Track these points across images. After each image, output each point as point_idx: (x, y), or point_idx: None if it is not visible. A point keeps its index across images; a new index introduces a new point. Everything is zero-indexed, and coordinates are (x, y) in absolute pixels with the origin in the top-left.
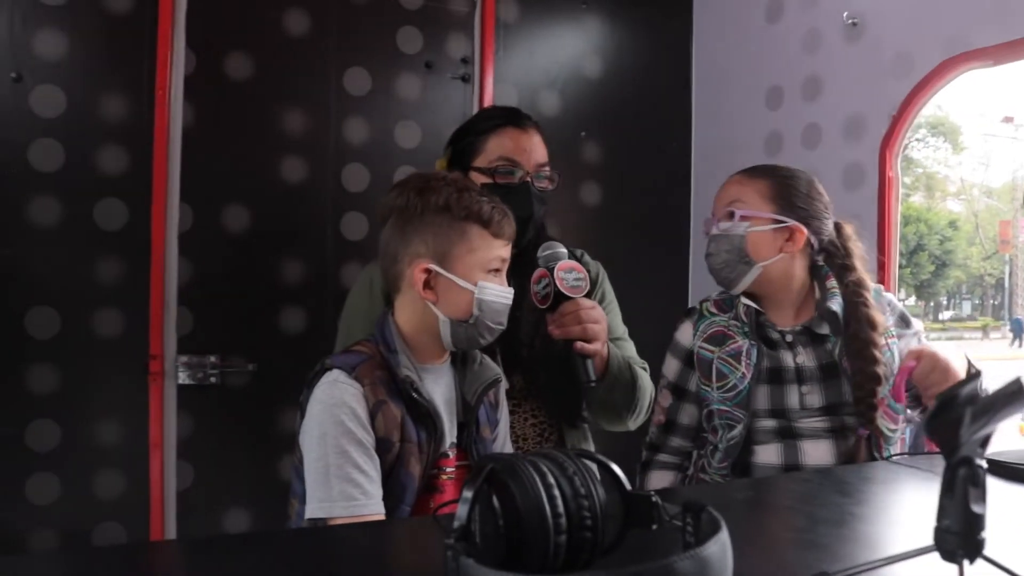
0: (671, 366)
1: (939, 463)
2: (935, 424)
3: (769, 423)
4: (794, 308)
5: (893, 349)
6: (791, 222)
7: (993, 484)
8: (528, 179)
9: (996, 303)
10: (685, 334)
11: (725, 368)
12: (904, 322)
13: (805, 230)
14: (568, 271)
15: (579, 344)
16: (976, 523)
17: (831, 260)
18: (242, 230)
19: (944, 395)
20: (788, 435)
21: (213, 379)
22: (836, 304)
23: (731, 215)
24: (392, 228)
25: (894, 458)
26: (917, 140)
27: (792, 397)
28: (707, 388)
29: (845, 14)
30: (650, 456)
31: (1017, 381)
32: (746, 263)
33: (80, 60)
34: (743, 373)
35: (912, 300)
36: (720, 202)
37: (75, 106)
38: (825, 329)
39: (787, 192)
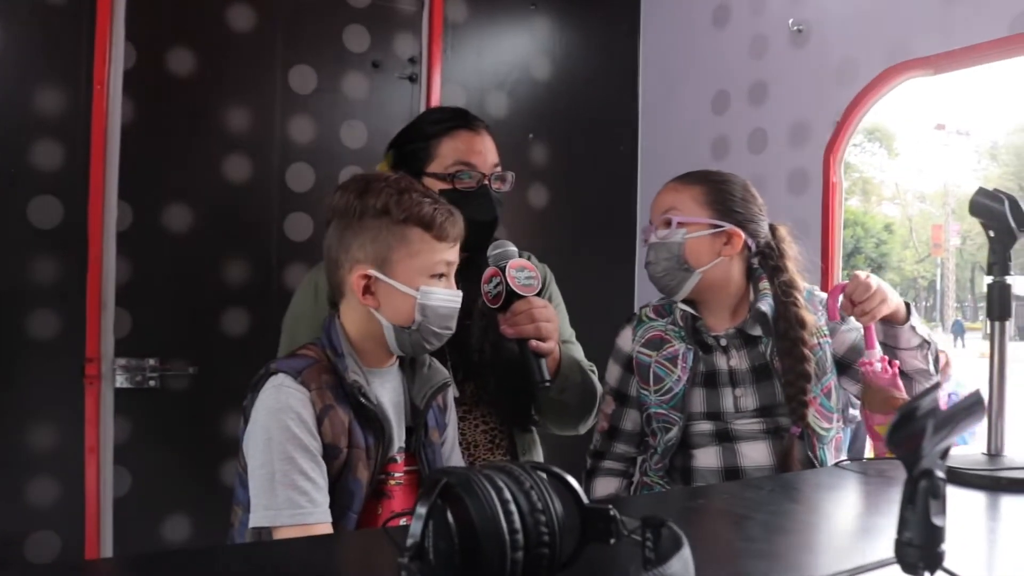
0: (613, 372)
1: (887, 468)
2: (897, 436)
3: (706, 426)
4: (731, 311)
5: (825, 348)
6: (728, 226)
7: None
8: (486, 182)
9: (928, 305)
10: (625, 340)
11: (662, 372)
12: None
13: (742, 233)
14: (520, 269)
15: (534, 343)
16: (937, 536)
17: (765, 262)
18: (183, 229)
19: (905, 407)
20: (725, 438)
21: (152, 382)
22: (766, 305)
23: (668, 223)
24: (333, 232)
25: (842, 463)
26: (854, 145)
27: (727, 400)
28: (646, 392)
29: (791, 21)
30: (595, 463)
31: (977, 393)
32: (686, 270)
33: (13, 51)
34: (679, 376)
35: None
36: (656, 210)
37: (7, 99)
38: (757, 331)
39: (723, 197)
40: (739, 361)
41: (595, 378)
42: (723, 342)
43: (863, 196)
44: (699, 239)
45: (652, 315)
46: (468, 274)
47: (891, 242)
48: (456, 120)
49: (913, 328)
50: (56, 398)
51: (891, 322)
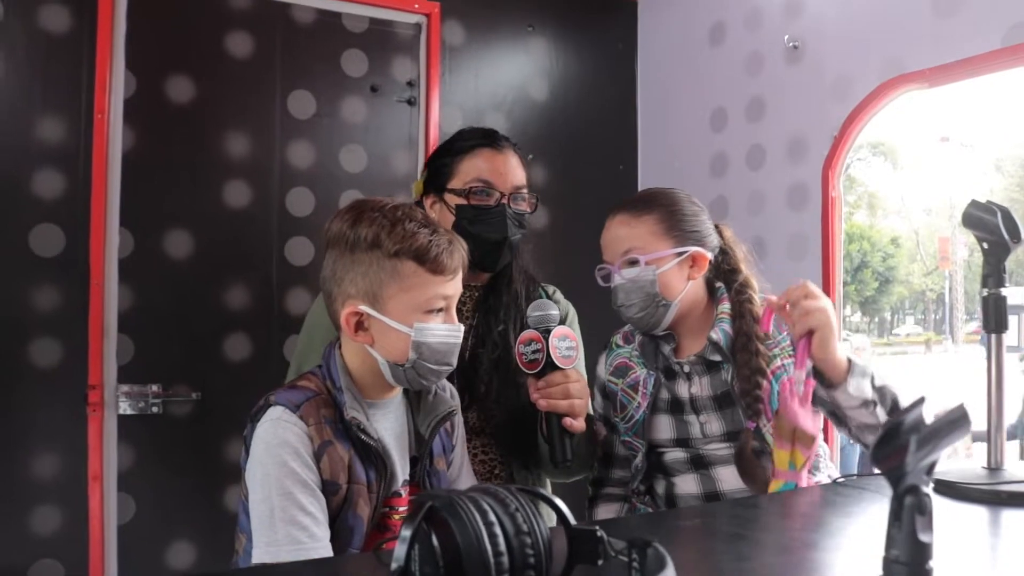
0: (597, 399)
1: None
2: (881, 452)
3: (679, 453)
4: (702, 332)
5: (789, 368)
6: (692, 249)
7: (941, 503)
8: (505, 201)
9: (938, 317)
10: (600, 367)
11: (625, 399)
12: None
13: (706, 253)
14: (562, 339)
15: (567, 421)
16: (924, 553)
17: (719, 268)
18: (184, 256)
19: (889, 422)
20: (700, 464)
21: (155, 408)
22: (718, 333)
23: (634, 262)
24: (327, 263)
25: (839, 480)
26: (859, 160)
27: (693, 427)
28: (617, 420)
29: (786, 37)
30: (596, 491)
31: (961, 407)
32: (664, 305)
33: (14, 80)
34: (639, 403)
35: (858, 316)
36: (613, 249)
37: (9, 128)
38: (718, 356)
39: (677, 220)
40: (700, 388)
41: (596, 429)
42: (686, 369)
43: (869, 210)
44: (668, 271)
45: (620, 342)
46: (487, 306)
47: (898, 256)
48: (482, 139)
49: (861, 382)
50: (59, 426)
51: (827, 381)
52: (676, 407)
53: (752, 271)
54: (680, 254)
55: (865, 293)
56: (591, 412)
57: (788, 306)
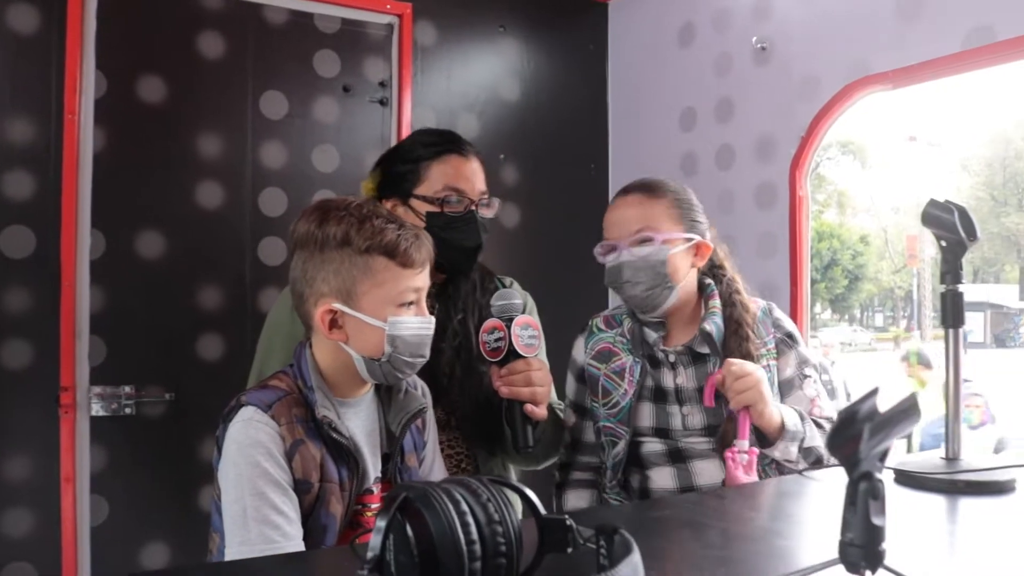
0: (570, 384)
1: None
2: (836, 440)
3: (657, 445)
4: (690, 325)
5: (773, 370)
6: (698, 238)
7: (900, 493)
8: (474, 207)
9: (906, 315)
10: (578, 351)
11: (609, 385)
12: (790, 340)
13: (710, 244)
14: (524, 327)
15: (529, 407)
16: (877, 535)
17: (709, 264)
18: (156, 256)
19: (844, 412)
20: (677, 458)
21: (128, 410)
22: (711, 324)
23: (647, 240)
24: (296, 263)
25: (805, 472)
26: (828, 159)
27: (675, 418)
28: (596, 405)
29: (754, 39)
30: (564, 476)
31: (913, 396)
32: (668, 287)
33: None
34: (625, 390)
35: (828, 314)
36: (625, 227)
37: None
38: (705, 349)
39: (688, 208)
40: (685, 379)
41: (563, 417)
42: (671, 358)
43: (839, 208)
44: (677, 254)
45: (602, 326)
46: (445, 296)
47: (867, 253)
48: (447, 145)
49: (789, 447)
50: (31, 428)
51: (765, 441)
52: (659, 396)
53: (735, 269)
54: (689, 239)
55: (835, 291)
56: (558, 401)
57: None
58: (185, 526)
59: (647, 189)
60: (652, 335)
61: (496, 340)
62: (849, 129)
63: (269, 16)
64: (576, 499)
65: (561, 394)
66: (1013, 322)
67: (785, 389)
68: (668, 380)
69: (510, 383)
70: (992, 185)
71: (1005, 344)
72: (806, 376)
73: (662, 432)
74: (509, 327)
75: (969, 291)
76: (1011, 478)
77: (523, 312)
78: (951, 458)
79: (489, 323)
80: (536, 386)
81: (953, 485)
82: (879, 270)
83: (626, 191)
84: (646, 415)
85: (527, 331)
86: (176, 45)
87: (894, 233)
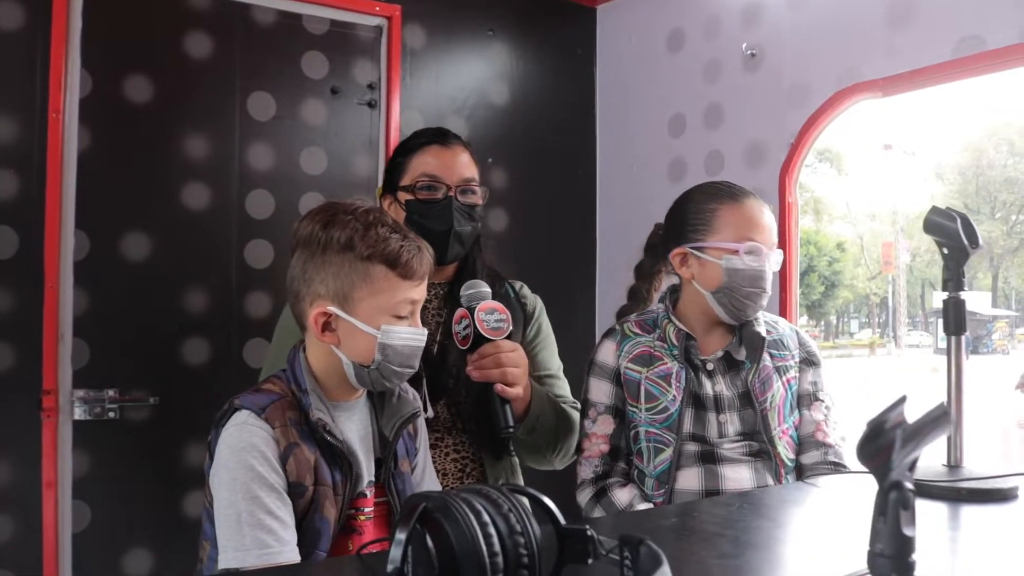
0: (603, 389)
1: (844, 483)
2: (867, 450)
3: (691, 447)
4: (725, 331)
5: (793, 386)
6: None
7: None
8: (452, 194)
9: (881, 321)
10: (609, 354)
11: (655, 389)
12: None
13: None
14: (489, 312)
15: (499, 387)
16: (907, 546)
17: None
18: (142, 258)
19: (873, 421)
20: (709, 459)
21: (112, 414)
22: (763, 329)
23: (774, 247)
24: (296, 262)
25: (805, 480)
26: (806, 166)
27: (711, 426)
28: (634, 409)
29: (744, 45)
30: (602, 484)
31: (942, 406)
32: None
33: None
34: (674, 395)
35: (804, 319)
36: (770, 234)
37: None
38: (742, 355)
39: None
40: (724, 387)
41: (576, 416)
42: (709, 366)
43: (815, 215)
44: None
45: (636, 330)
46: (452, 297)
47: (843, 260)
48: (431, 137)
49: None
50: (12, 432)
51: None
52: (698, 402)
53: None
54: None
55: (812, 297)
56: (572, 399)
57: None
58: (169, 532)
59: (757, 195)
60: (692, 342)
61: (464, 328)
62: (826, 137)
63: (257, 16)
64: (626, 496)
65: (575, 394)
66: (987, 329)
67: (800, 403)
68: (707, 387)
69: (480, 366)
70: (965, 193)
71: (978, 351)
72: (819, 400)
73: (699, 438)
74: (473, 314)
75: (942, 299)
76: (1014, 486)
77: (532, 315)
78: (953, 466)
79: (457, 314)
80: (506, 367)
81: (956, 493)
82: (855, 277)
83: (754, 195)
84: (687, 421)
85: (492, 315)
86: (163, 45)
87: (870, 240)
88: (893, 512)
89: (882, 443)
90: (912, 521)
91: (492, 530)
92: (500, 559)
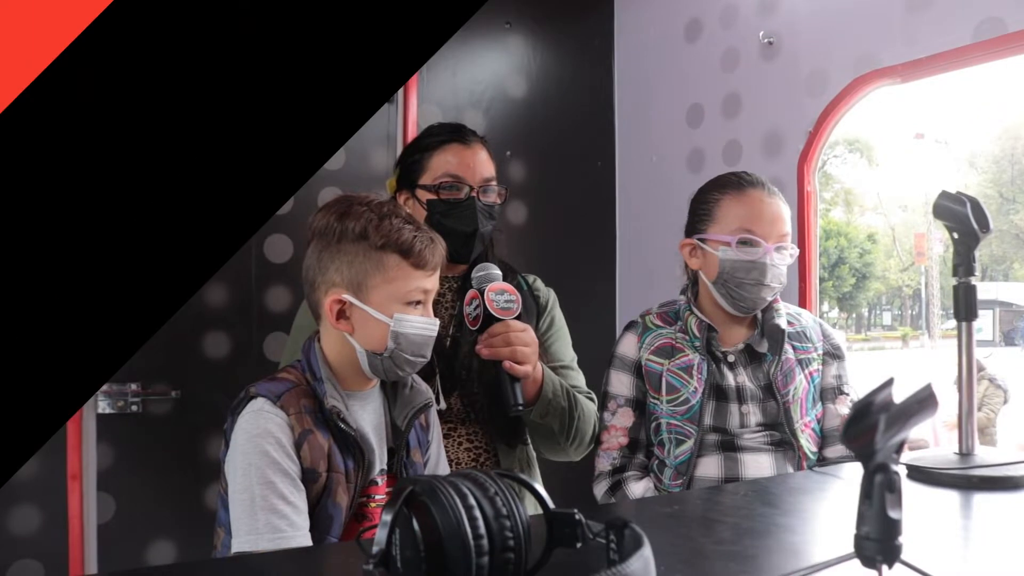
0: (623, 382)
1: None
2: (851, 432)
3: (712, 437)
4: (745, 324)
5: (816, 379)
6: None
7: (913, 488)
8: (474, 194)
9: (914, 313)
10: (630, 346)
11: (676, 381)
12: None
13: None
14: (499, 292)
15: (507, 363)
16: (893, 528)
17: None
18: None
19: (859, 402)
20: (730, 448)
21: (135, 407)
22: (783, 321)
23: (784, 247)
24: (312, 253)
25: (816, 468)
26: (835, 156)
27: (733, 417)
28: (655, 401)
29: (761, 33)
30: (619, 477)
31: (928, 387)
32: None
33: None
34: (695, 387)
35: (835, 312)
36: (776, 226)
37: None
38: (764, 347)
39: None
40: (745, 379)
41: (592, 406)
42: (731, 358)
43: (846, 207)
44: None
45: (658, 322)
46: (465, 290)
47: (875, 252)
48: (450, 134)
49: None
50: None
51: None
52: (720, 394)
53: None
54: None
55: (843, 289)
56: (587, 388)
57: None
58: (191, 524)
59: (774, 190)
60: (712, 334)
61: (475, 309)
62: (856, 127)
63: None
64: (644, 489)
65: (593, 387)
66: (1023, 320)
67: (823, 396)
68: (729, 379)
69: (490, 344)
70: (1000, 182)
71: (1014, 342)
72: (844, 393)
73: (720, 429)
74: (483, 294)
75: (978, 289)
76: None
77: (545, 307)
78: (965, 453)
79: (468, 295)
80: (516, 346)
81: (967, 480)
82: (887, 268)
83: (762, 185)
84: (707, 413)
85: (502, 296)
86: None
87: (902, 231)
88: (879, 495)
89: (866, 425)
90: (898, 504)
91: (477, 513)
92: (485, 541)
